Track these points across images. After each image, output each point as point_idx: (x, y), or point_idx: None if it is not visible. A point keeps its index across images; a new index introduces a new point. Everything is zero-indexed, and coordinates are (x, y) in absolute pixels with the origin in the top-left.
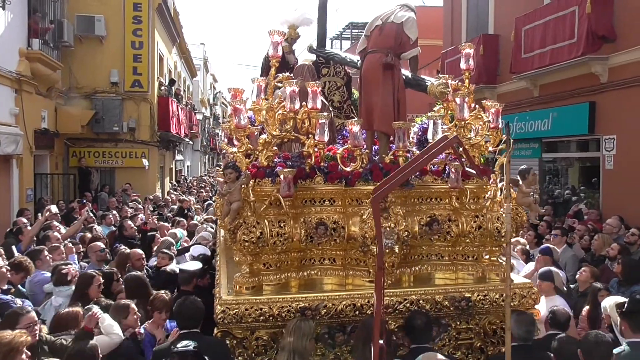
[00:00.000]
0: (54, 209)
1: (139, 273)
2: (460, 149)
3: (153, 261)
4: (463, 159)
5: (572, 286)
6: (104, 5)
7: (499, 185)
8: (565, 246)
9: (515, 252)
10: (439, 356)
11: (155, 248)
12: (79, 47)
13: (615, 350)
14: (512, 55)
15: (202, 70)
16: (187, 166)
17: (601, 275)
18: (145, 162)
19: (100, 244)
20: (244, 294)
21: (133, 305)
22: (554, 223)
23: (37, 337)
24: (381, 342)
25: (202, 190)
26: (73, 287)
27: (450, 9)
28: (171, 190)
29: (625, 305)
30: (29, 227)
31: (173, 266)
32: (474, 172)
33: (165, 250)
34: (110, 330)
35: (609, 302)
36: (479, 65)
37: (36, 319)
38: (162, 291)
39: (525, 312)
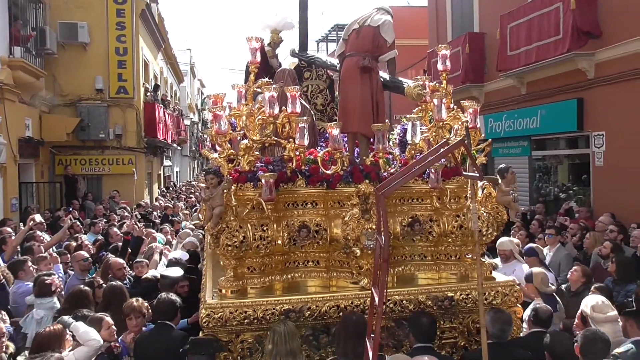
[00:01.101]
0: (37, 218)
1: (117, 283)
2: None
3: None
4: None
5: (563, 286)
6: (87, 11)
7: (480, 184)
8: (559, 245)
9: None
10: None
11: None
12: (62, 54)
13: (621, 349)
14: (498, 53)
15: (189, 76)
16: (176, 172)
17: (593, 274)
18: (134, 171)
19: (84, 253)
20: (229, 297)
21: (107, 319)
22: (546, 222)
23: (3, 351)
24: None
25: (191, 195)
26: (56, 299)
27: (435, 8)
28: (159, 197)
29: (633, 303)
30: (13, 237)
31: (154, 272)
32: (476, 175)
33: (139, 260)
34: (87, 338)
35: (587, 302)
36: (466, 64)
37: (4, 331)
38: (133, 299)
39: (502, 310)
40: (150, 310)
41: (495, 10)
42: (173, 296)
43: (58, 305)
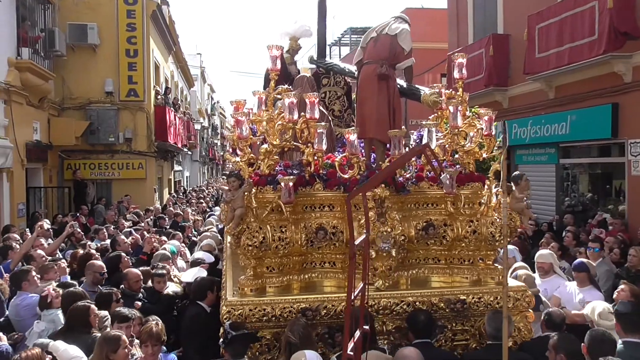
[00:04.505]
0: (46, 225)
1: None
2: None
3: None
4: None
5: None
6: (97, 13)
7: (493, 190)
8: (601, 260)
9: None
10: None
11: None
12: (71, 56)
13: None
14: (526, 56)
15: (199, 81)
16: (186, 177)
17: None
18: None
19: (101, 265)
20: (248, 295)
21: (124, 337)
22: (579, 233)
23: None
24: (366, 327)
25: (201, 201)
26: (59, 312)
27: (455, 10)
28: (170, 204)
29: (616, 307)
30: (16, 245)
31: (174, 287)
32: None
33: (161, 272)
34: (68, 357)
35: (593, 307)
36: (489, 67)
37: None
38: (154, 320)
39: (499, 311)
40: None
41: (522, 11)
42: (206, 278)
43: (61, 318)
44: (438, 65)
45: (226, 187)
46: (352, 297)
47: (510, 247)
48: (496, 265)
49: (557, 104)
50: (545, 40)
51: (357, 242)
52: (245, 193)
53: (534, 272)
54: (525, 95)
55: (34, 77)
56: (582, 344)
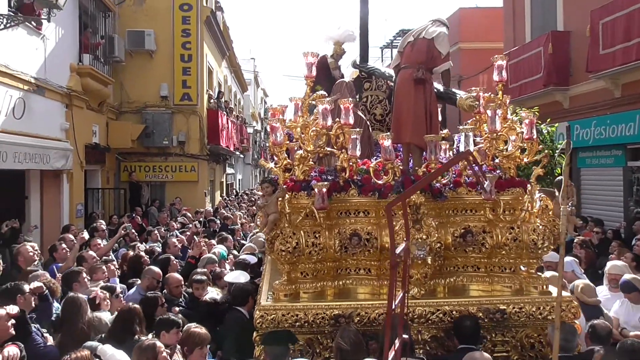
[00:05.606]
0: (86, 235)
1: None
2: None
3: None
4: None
5: None
6: (153, 19)
7: (535, 196)
8: None
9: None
10: (485, 355)
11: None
12: (129, 61)
13: None
14: (589, 53)
15: (252, 85)
16: (239, 180)
17: None
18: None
19: (159, 271)
20: (282, 300)
21: (159, 344)
22: None
23: None
24: (406, 336)
25: (251, 204)
26: (107, 314)
27: (512, 7)
28: (221, 208)
29: None
30: (63, 246)
31: (213, 294)
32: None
33: (200, 278)
34: None
35: None
36: (548, 66)
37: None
38: (194, 325)
39: (565, 322)
40: None
41: (583, 6)
42: (246, 285)
43: (108, 322)
44: (491, 66)
45: (260, 193)
46: (393, 307)
47: (568, 258)
48: (539, 274)
49: (624, 103)
50: (610, 35)
51: (397, 251)
52: (279, 199)
53: (601, 283)
54: (589, 94)
55: (94, 82)
56: None
